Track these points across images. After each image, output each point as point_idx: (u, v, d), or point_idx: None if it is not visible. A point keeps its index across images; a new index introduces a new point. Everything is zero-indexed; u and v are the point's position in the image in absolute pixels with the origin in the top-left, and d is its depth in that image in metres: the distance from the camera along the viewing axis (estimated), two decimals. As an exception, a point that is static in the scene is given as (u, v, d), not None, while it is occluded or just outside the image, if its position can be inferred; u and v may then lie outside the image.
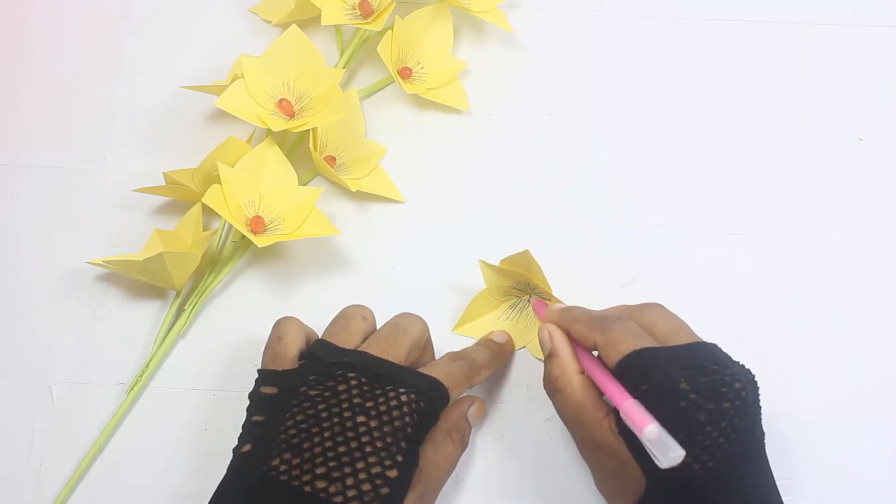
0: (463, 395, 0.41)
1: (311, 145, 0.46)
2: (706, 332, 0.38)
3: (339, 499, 0.32)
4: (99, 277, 0.47)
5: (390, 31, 0.49)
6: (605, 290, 0.46)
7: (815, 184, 0.49)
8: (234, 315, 0.46)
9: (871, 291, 0.46)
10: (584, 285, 0.46)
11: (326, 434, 0.34)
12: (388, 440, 0.34)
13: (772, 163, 0.49)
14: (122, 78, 0.52)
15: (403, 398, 0.35)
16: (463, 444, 0.38)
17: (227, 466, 0.36)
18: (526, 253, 0.40)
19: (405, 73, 0.50)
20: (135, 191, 0.47)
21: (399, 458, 0.34)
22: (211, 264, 0.46)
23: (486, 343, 0.43)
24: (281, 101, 0.46)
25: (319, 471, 0.33)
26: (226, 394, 0.44)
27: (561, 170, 0.49)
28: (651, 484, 0.34)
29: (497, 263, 0.42)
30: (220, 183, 0.44)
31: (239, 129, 0.49)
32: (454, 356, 0.40)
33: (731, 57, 0.52)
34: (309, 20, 0.51)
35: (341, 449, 0.33)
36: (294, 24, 0.46)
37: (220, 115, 0.50)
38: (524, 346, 0.44)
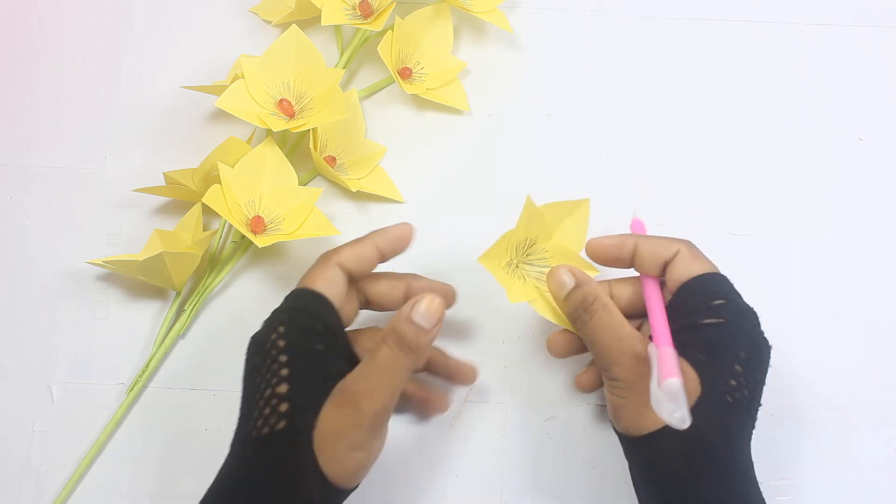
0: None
1: (311, 145, 0.46)
2: (706, 331, 0.38)
3: (259, 432, 0.35)
4: (99, 277, 0.47)
5: (390, 31, 0.49)
6: (605, 290, 0.46)
7: (815, 184, 0.49)
8: (234, 315, 0.46)
9: (871, 291, 0.46)
10: (584, 285, 0.46)
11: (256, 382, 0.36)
12: (268, 361, 0.36)
13: (772, 163, 0.49)
14: (122, 78, 0.52)
15: (270, 323, 0.37)
16: (404, 348, 0.35)
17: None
18: (528, 200, 0.40)
19: (405, 74, 0.50)
20: (135, 191, 0.47)
21: (284, 372, 0.35)
22: (211, 264, 0.46)
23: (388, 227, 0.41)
24: (281, 101, 0.46)
25: (254, 414, 0.35)
26: (226, 394, 0.44)
27: (561, 170, 0.49)
28: (706, 392, 0.34)
29: (493, 269, 0.41)
30: (220, 183, 0.44)
31: (239, 129, 0.49)
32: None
33: (731, 57, 0.52)
34: (309, 20, 0.51)
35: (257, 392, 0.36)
36: (294, 24, 0.46)
37: (220, 115, 0.50)
38: (528, 303, 0.41)
